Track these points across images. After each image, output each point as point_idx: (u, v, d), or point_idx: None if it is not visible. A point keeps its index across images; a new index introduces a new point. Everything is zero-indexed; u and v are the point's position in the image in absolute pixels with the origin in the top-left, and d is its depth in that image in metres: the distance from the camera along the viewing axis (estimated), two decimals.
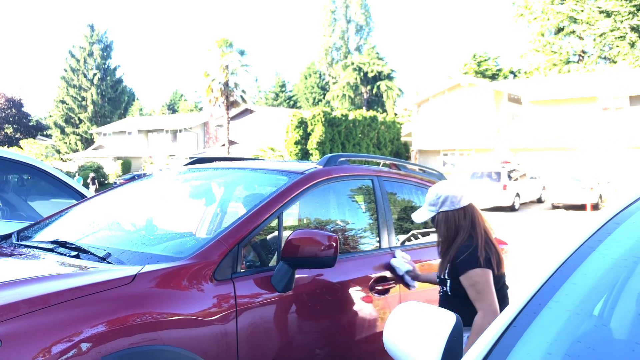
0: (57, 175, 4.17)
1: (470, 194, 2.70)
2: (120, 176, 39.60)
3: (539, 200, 23.62)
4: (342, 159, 3.05)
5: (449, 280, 2.58)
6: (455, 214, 2.59)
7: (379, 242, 2.99)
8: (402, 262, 2.87)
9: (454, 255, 2.54)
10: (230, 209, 3.26)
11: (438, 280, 2.69)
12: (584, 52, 42.22)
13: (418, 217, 2.71)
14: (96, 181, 29.63)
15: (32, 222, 3.11)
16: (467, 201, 2.63)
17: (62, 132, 57.52)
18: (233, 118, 39.88)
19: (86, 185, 29.04)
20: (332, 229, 2.96)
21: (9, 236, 2.81)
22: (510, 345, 1.07)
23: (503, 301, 2.59)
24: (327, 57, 67.53)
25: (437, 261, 3.23)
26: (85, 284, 1.83)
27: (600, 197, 20.72)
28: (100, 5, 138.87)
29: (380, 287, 2.78)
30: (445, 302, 2.63)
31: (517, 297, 1.19)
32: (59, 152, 56.76)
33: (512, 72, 47.93)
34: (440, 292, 2.69)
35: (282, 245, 2.29)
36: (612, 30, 35.12)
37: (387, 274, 2.87)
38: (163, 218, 3.28)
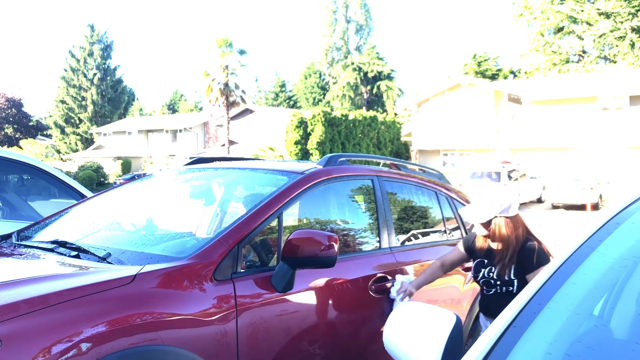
0: (57, 175, 4.17)
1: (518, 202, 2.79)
2: (120, 176, 39.58)
3: (539, 200, 23.63)
4: (342, 159, 3.05)
5: (515, 280, 2.70)
6: (513, 219, 2.73)
7: (379, 242, 2.99)
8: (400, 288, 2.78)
9: (518, 256, 2.69)
10: (230, 209, 3.26)
11: (497, 281, 2.76)
12: (584, 52, 42.23)
13: (475, 217, 2.74)
14: None
15: (32, 222, 3.11)
16: (517, 210, 2.76)
17: (62, 132, 57.52)
18: (233, 118, 39.88)
19: None
20: (332, 229, 2.95)
21: (9, 236, 2.81)
22: (510, 345, 1.07)
23: None
24: (327, 57, 67.53)
25: None
26: (85, 284, 1.83)
27: (600, 197, 20.72)
28: (100, 5, 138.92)
29: (380, 287, 2.78)
30: (499, 300, 2.70)
31: (517, 297, 1.19)
32: (59, 152, 56.75)
33: (512, 72, 47.95)
34: (490, 291, 2.81)
35: (282, 245, 2.29)
36: (612, 31, 35.12)
37: (387, 274, 2.87)
38: (163, 218, 3.27)
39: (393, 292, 2.75)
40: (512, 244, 2.70)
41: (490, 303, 2.82)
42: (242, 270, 2.24)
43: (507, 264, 2.71)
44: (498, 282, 2.75)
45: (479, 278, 2.86)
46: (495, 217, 2.71)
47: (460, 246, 3.00)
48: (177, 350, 1.87)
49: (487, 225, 2.75)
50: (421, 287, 2.85)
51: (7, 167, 4.22)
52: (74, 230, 2.80)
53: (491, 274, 2.78)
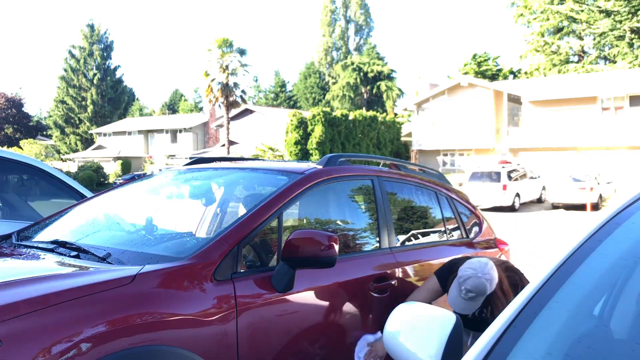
0: (57, 175, 4.16)
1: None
2: (120, 176, 39.58)
3: (539, 200, 23.62)
4: (342, 159, 3.05)
5: None
6: (497, 285, 2.69)
7: (379, 242, 2.99)
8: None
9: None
10: (230, 209, 3.26)
11: (489, 319, 2.74)
12: (583, 52, 42.23)
13: (470, 309, 2.67)
14: None
15: (32, 222, 3.11)
16: (496, 272, 2.70)
17: (62, 132, 57.52)
18: (233, 118, 39.89)
19: None
20: (332, 229, 2.95)
21: (9, 236, 2.81)
22: (510, 345, 1.07)
23: None
24: (327, 57, 67.54)
25: (436, 261, 3.25)
26: (85, 284, 1.83)
27: (600, 197, 20.71)
28: (100, 5, 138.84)
29: (380, 287, 2.78)
30: (482, 325, 2.76)
31: (517, 297, 1.19)
32: (59, 152, 56.76)
33: (512, 72, 47.91)
34: (471, 317, 2.81)
35: (282, 245, 2.29)
36: (611, 30, 35.14)
37: (387, 274, 2.87)
38: (163, 218, 3.28)
39: (359, 355, 2.58)
40: (505, 298, 2.70)
41: (471, 325, 2.85)
42: (242, 271, 2.24)
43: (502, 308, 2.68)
44: (489, 318, 2.76)
45: (468, 316, 2.82)
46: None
47: (435, 284, 2.87)
48: (177, 350, 1.87)
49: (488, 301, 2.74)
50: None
51: (7, 167, 4.22)
52: (74, 230, 2.80)
53: (483, 315, 2.79)
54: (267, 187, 2.78)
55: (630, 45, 35.42)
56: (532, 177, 22.98)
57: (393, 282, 2.86)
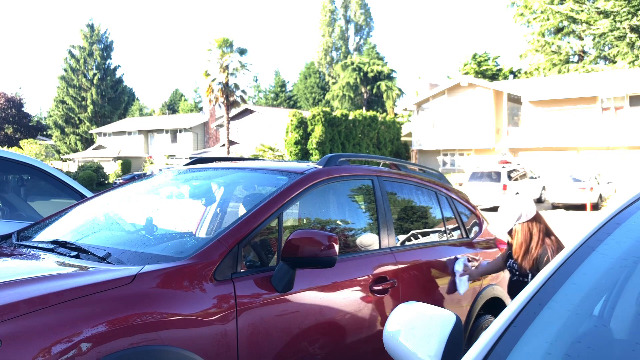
0: (57, 175, 4.16)
1: (532, 207, 3.15)
2: (120, 176, 39.58)
3: (539, 200, 23.61)
4: (342, 159, 3.05)
5: (530, 274, 3.15)
6: (529, 224, 3.10)
7: (379, 242, 2.99)
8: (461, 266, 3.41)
9: (535, 256, 3.07)
10: (230, 209, 3.26)
11: (516, 271, 3.22)
12: (583, 52, 42.22)
13: (499, 229, 3.23)
14: None
15: (32, 222, 3.11)
16: (534, 213, 3.13)
17: (62, 132, 57.49)
18: (233, 118, 39.88)
19: None
20: (332, 229, 2.95)
21: (9, 236, 2.81)
22: (510, 345, 1.07)
23: None
24: (327, 57, 67.54)
25: (436, 261, 3.25)
26: (85, 284, 1.83)
27: (600, 197, 20.71)
28: (100, 5, 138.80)
29: (380, 287, 2.78)
30: (519, 286, 3.20)
31: (517, 297, 1.19)
32: (59, 152, 56.74)
33: (512, 72, 47.88)
34: (512, 278, 3.30)
35: (282, 245, 2.29)
36: (611, 30, 35.13)
37: (387, 274, 2.87)
38: (163, 218, 3.27)
39: (458, 268, 3.35)
40: (526, 243, 3.08)
41: (512, 287, 3.31)
42: (242, 271, 2.24)
43: (522, 258, 3.11)
44: (517, 272, 3.20)
45: (507, 265, 3.36)
46: (514, 225, 3.12)
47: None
48: (177, 350, 1.87)
49: (510, 232, 3.21)
50: (483, 275, 3.53)
51: (7, 167, 4.22)
52: (74, 230, 2.80)
53: (515, 265, 3.22)
54: (267, 187, 2.78)
55: (631, 45, 35.41)
56: (532, 177, 22.97)
57: (393, 282, 2.86)
